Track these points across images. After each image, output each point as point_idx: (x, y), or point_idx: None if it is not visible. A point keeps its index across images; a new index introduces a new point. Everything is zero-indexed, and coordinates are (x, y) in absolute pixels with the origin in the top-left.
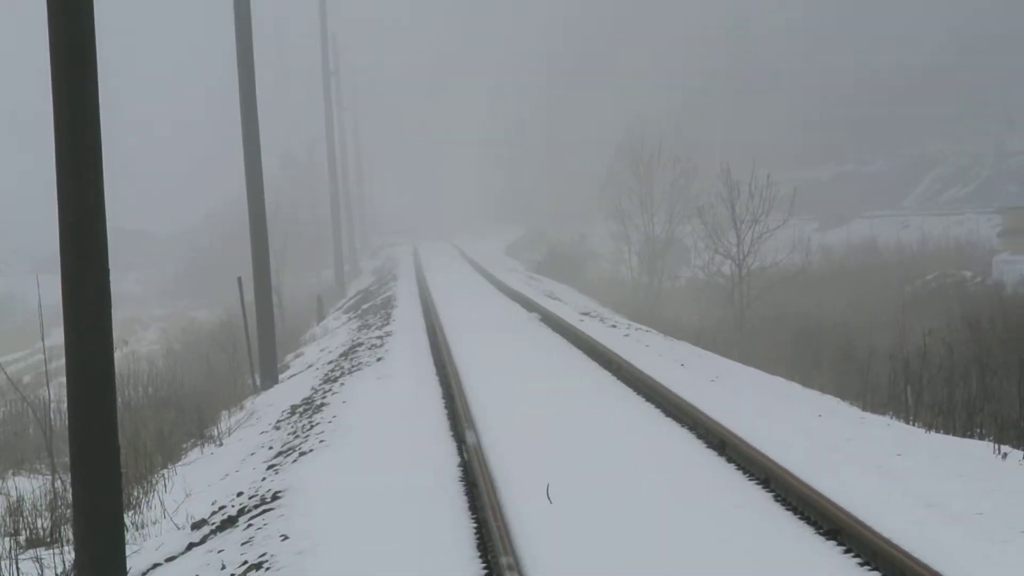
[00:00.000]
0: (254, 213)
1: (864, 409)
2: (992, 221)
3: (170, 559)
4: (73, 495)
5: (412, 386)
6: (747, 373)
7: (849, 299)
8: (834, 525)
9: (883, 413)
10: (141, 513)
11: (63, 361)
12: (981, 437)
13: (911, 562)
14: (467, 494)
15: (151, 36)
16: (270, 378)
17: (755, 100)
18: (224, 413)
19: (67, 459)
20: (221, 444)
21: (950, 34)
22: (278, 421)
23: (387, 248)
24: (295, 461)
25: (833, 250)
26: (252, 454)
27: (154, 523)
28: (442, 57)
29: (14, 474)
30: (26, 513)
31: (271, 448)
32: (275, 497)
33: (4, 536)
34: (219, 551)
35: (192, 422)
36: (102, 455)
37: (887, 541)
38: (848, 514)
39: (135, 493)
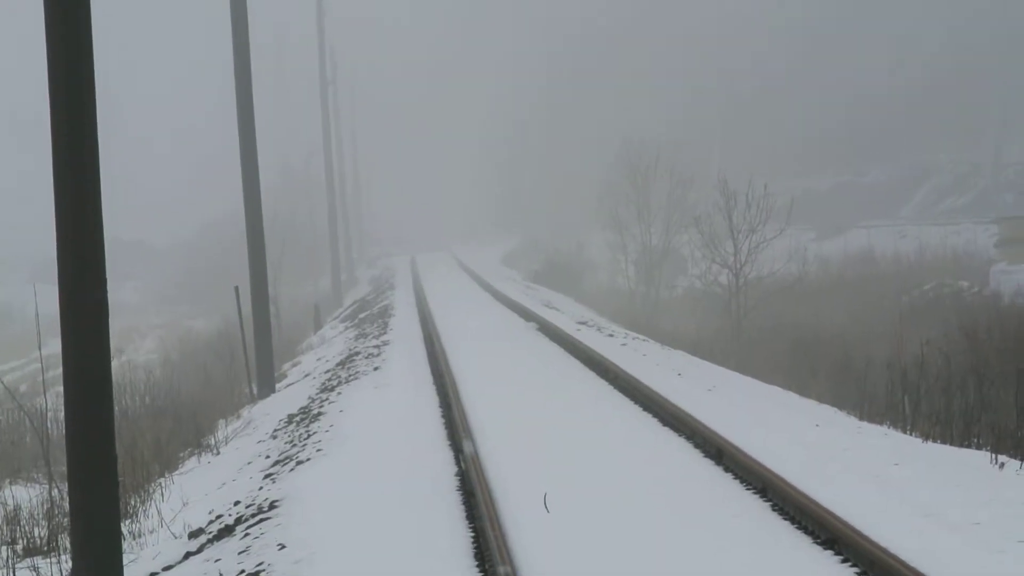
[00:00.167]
0: (251, 222)
1: (861, 419)
2: (989, 231)
3: (167, 568)
4: (70, 504)
5: (409, 395)
6: (744, 383)
7: (846, 309)
8: (831, 534)
9: (880, 423)
10: (138, 522)
11: (60, 370)
12: (978, 447)
13: (908, 572)
14: (465, 503)
15: (149, 47)
16: (267, 387)
17: (752, 110)
18: (221, 422)
19: (64, 468)
20: (218, 453)
21: (950, 34)
22: (275, 430)
23: (384, 258)
24: (292, 470)
25: (830, 260)
26: (249, 463)
27: (151, 532)
28: (441, 60)
29: (11, 483)
30: (23, 522)
31: (268, 457)
32: (272, 506)
33: (1, 545)
34: (216, 560)
35: (189, 431)
36: (99, 464)
37: (884, 550)
38: (845, 523)
39: (132, 502)
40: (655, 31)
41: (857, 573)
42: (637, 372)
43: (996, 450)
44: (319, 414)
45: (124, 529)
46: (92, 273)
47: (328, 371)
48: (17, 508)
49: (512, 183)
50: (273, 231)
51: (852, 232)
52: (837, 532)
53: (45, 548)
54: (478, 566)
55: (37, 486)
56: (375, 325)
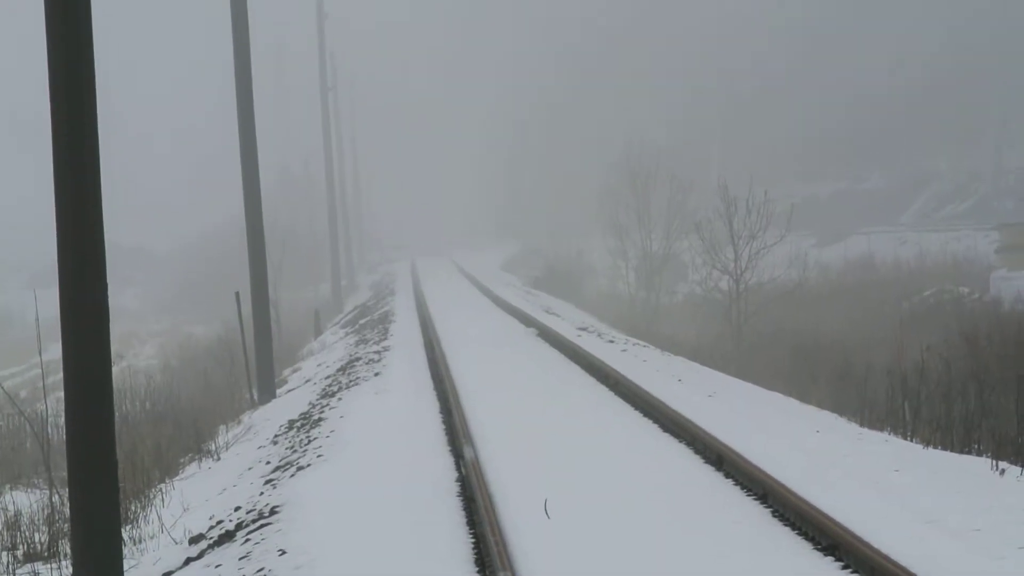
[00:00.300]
0: (252, 227)
1: (862, 425)
2: (989, 237)
3: (168, 574)
4: (71, 509)
5: (410, 401)
6: (745, 389)
7: (846, 315)
8: (832, 540)
9: (881, 429)
10: (139, 528)
11: (61, 375)
12: (979, 453)
13: None
14: (465, 509)
15: (150, 51)
16: (268, 393)
17: (752, 110)
18: (222, 428)
19: (65, 473)
20: (219, 459)
21: (950, 35)
22: (276, 436)
23: (385, 263)
24: (293, 476)
25: (830, 266)
26: (250, 469)
27: (152, 538)
28: (441, 62)
29: (12, 488)
30: (24, 527)
31: (269, 463)
32: (273, 512)
33: (2, 551)
34: (217, 566)
35: (190, 437)
36: (100, 469)
37: (885, 557)
38: (846, 529)
39: (133, 508)
40: (655, 31)
41: None
42: (637, 378)
43: (997, 456)
44: (320, 419)
45: (125, 534)
46: (92, 271)
47: (329, 376)
48: (17, 513)
49: (512, 184)
50: (273, 236)
51: (852, 238)
52: (838, 538)
53: (46, 554)
54: (479, 572)
55: (37, 491)
56: (376, 331)
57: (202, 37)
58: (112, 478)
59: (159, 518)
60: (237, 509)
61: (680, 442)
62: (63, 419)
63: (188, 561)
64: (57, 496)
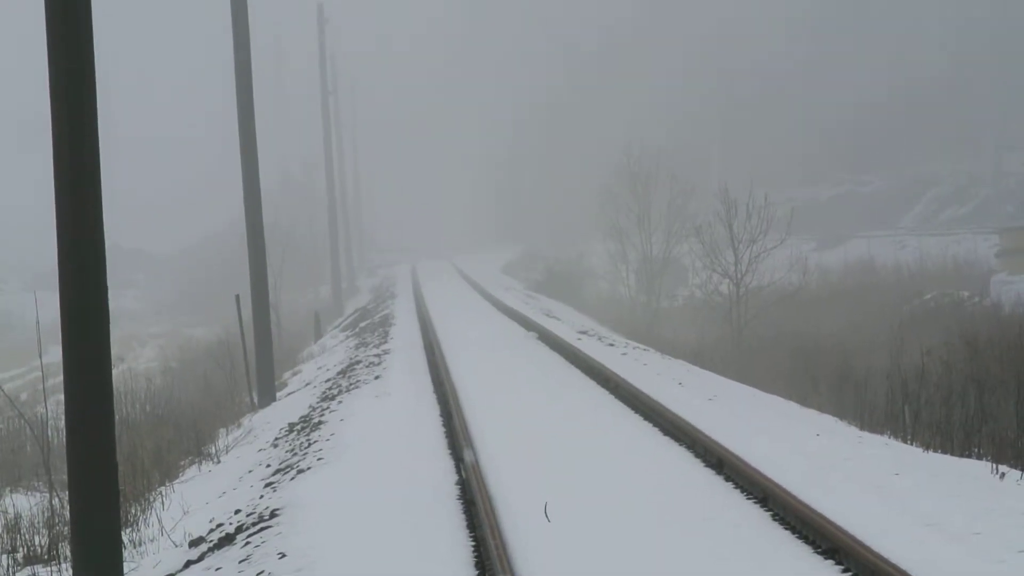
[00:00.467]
0: (252, 230)
1: (862, 428)
2: (990, 241)
3: None
4: (71, 512)
5: (410, 404)
6: (745, 392)
7: (847, 318)
8: (832, 544)
9: (881, 432)
10: (139, 530)
11: (61, 378)
12: (979, 457)
13: None
14: (465, 512)
15: (152, 55)
16: (268, 396)
17: (753, 111)
18: (222, 431)
19: (65, 476)
20: (219, 462)
21: (950, 38)
22: (276, 439)
23: (385, 266)
24: (293, 479)
25: (831, 270)
26: (250, 472)
27: (152, 540)
28: (441, 65)
29: (12, 491)
30: (24, 530)
31: (269, 466)
32: (273, 515)
33: (2, 553)
34: (217, 569)
35: (190, 440)
36: (100, 472)
37: (886, 560)
38: (846, 533)
39: (133, 510)
40: (655, 33)
41: None
42: (638, 381)
43: (997, 460)
44: (320, 423)
45: (125, 537)
46: (93, 274)
47: (329, 380)
48: (17, 516)
49: (512, 187)
50: (273, 239)
51: (852, 242)
52: (838, 542)
53: (46, 556)
54: (479, 574)
55: (38, 494)
56: (376, 334)
57: (203, 41)
58: (112, 481)
59: (159, 521)
60: (237, 512)
61: (680, 445)
62: (63, 422)
63: (188, 564)
64: (57, 499)
